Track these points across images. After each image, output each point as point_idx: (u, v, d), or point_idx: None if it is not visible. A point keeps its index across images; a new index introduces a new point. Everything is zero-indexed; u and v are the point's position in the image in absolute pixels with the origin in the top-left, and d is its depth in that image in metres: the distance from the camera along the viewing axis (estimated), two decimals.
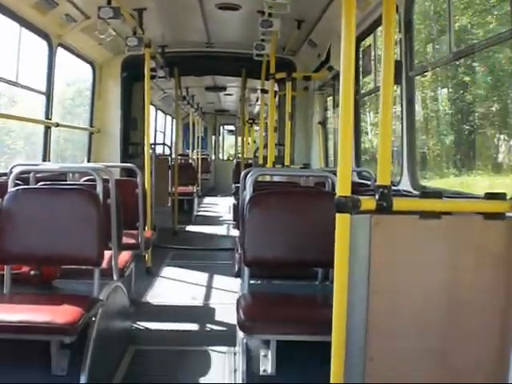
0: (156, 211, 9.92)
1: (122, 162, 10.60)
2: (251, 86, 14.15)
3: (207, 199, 20.21)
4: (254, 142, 26.77)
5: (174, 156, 13.15)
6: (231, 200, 19.19)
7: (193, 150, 22.11)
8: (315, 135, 11.30)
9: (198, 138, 22.30)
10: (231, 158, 27.87)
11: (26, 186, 4.98)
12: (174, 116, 22.13)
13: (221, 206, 18.75)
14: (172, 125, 22.68)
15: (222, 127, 28.64)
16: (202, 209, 17.24)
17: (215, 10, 8.64)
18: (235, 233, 12.22)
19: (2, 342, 4.01)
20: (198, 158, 20.02)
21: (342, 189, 2.89)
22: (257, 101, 19.67)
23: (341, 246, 2.93)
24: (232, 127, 28.72)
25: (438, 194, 3.12)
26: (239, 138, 28.46)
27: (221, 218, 16.10)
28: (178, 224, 12.60)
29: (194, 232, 13.29)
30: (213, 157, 26.93)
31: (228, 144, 30.57)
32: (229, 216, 16.27)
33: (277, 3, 5.82)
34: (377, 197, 2.97)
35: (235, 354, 5.38)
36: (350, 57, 2.94)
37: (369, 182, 6.99)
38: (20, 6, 6.95)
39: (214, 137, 28.16)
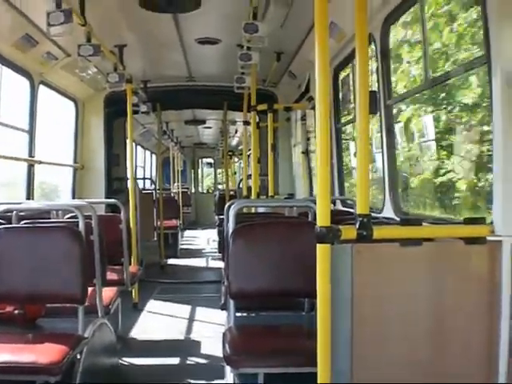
0: (142, 246, 9.90)
1: (106, 197, 10.58)
2: (230, 119, 14.25)
3: (189, 232, 20.16)
4: (235, 173, 26.85)
5: (158, 190, 13.17)
6: (213, 232, 19.27)
7: (173, 184, 22.14)
8: (299, 165, 11.36)
9: (178, 171, 22.35)
10: (210, 191, 27.97)
11: (8, 225, 4.97)
12: (153, 151, 22.28)
13: (203, 239, 18.74)
14: (151, 160, 22.76)
15: (200, 160, 28.72)
16: (185, 242, 17.21)
17: (195, 45, 8.72)
18: (220, 265, 12.23)
19: None
20: (179, 192, 20.04)
21: (322, 220, 2.90)
22: (235, 133, 19.79)
23: (322, 275, 2.94)
24: (210, 160, 28.84)
25: (417, 221, 3.15)
26: (218, 170, 28.69)
27: (204, 251, 16.09)
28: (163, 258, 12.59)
29: (179, 265, 13.25)
30: (193, 190, 26.94)
31: (206, 177, 30.68)
32: (212, 248, 16.28)
33: (255, 37, 5.89)
34: (357, 226, 2.98)
35: None
36: (325, 86, 2.99)
37: (352, 210, 7.02)
38: (1, 45, 6.98)
39: (193, 170, 28.22)
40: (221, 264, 12.16)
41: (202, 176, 29.27)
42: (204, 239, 18.69)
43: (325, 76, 2.96)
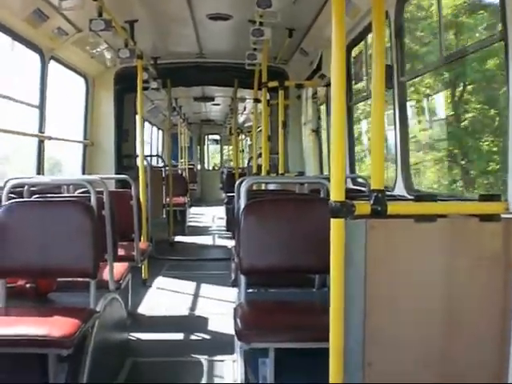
0: (151, 223, 9.92)
1: (116, 173, 10.59)
2: (240, 96, 14.20)
3: (196, 209, 20.17)
4: (242, 151, 26.80)
5: (167, 167, 13.18)
6: (219, 209, 19.30)
7: (180, 161, 22.14)
8: (309, 143, 11.33)
9: (185, 148, 22.34)
10: (216, 168, 27.96)
11: (20, 200, 4.97)
12: (160, 127, 22.23)
13: (210, 216, 18.77)
14: (158, 136, 22.73)
15: (206, 137, 28.65)
16: (192, 219, 17.24)
17: (206, 21, 8.66)
18: (227, 242, 12.28)
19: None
20: (186, 169, 20.02)
21: (336, 194, 2.89)
22: (244, 110, 19.72)
23: (336, 251, 2.93)
24: (217, 137, 28.79)
25: (432, 197, 3.12)
26: (225, 148, 28.65)
27: (212, 228, 16.12)
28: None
29: (188, 243, 13.29)
30: (198, 167, 26.94)
31: (212, 153, 30.65)
32: (218, 226, 16.32)
33: (267, 12, 5.84)
34: (371, 201, 2.97)
35: (234, 362, 5.37)
36: (341, 64, 2.95)
37: (363, 189, 7.00)
38: (12, 20, 6.95)
39: (199, 147, 28.17)
40: (228, 242, 12.24)
41: (208, 153, 29.22)
42: (210, 217, 18.72)
43: (341, 53, 2.93)
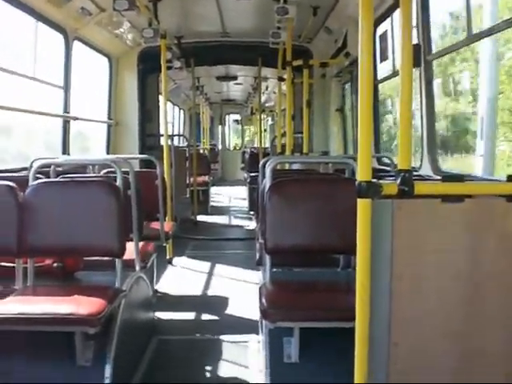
0: (175, 202, 9.98)
1: (140, 154, 10.65)
2: (263, 75, 14.15)
3: (217, 189, 20.21)
4: (265, 130, 26.76)
5: (191, 147, 13.21)
6: (241, 189, 19.33)
7: (202, 140, 22.17)
8: (333, 123, 11.26)
9: (206, 128, 22.33)
10: (237, 148, 27.96)
11: (46, 180, 5.01)
12: (182, 107, 22.23)
13: (232, 196, 18.81)
14: (179, 116, 22.75)
15: (227, 117, 28.62)
16: (214, 199, 17.29)
17: None
18: (249, 222, 12.33)
19: (27, 333, 4.06)
20: (208, 149, 20.06)
21: (363, 174, 2.86)
22: (266, 89, 19.66)
23: (363, 231, 2.91)
24: (238, 116, 28.73)
25: (459, 178, 3.09)
26: (246, 127, 28.60)
27: (234, 208, 16.16)
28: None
29: (211, 222, 13.36)
30: (220, 147, 26.97)
31: (234, 135, 30.64)
32: (241, 205, 16.36)
33: None
34: (398, 181, 2.94)
35: (258, 342, 5.40)
36: (369, 41, 2.91)
37: (388, 168, 6.95)
38: (36, 1, 6.97)
39: (220, 126, 28.16)
40: (250, 222, 12.29)
41: (229, 133, 29.20)
42: (232, 196, 18.78)
43: (368, 30, 2.88)
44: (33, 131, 9.39)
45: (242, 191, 19.19)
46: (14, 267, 4.63)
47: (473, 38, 5.03)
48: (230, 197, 18.82)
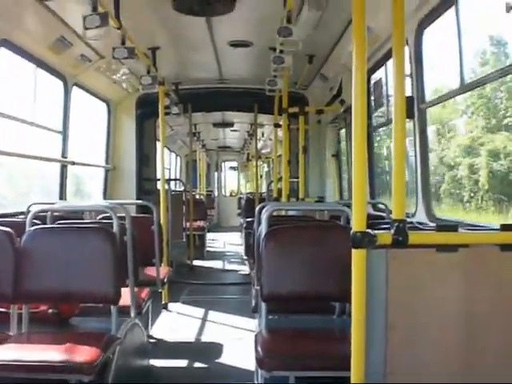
0: (171, 247, 9.97)
1: (137, 198, 10.69)
2: (259, 121, 14.31)
3: (213, 235, 20.21)
4: (261, 176, 26.90)
5: (187, 192, 13.26)
6: (236, 235, 19.34)
7: (199, 186, 22.29)
8: (329, 168, 11.35)
9: (203, 174, 22.47)
10: (233, 194, 28.08)
11: (43, 226, 5.03)
12: (178, 153, 22.42)
13: (227, 242, 18.80)
14: (176, 162, 22.91)
15: (223, 164, 28.80)
16: (209, 244, 17.28)
17: (227, 47, 8.76)
18: (246, 268, 12.31)
19: (22, 381, 4.02)
20: (204, 195, 20.16)
21: (358, 224, 2.89)
22: (262, 136, 19.84)
23: (357, 280, 2.93)
24: (234, 163, 28.90)
25: (453, 227, 3.12)
26: (241, 174, 28.78)
27: (229, 253, 16.14)
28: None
29: (207, 267, 13.33)
30: (216, 193, 27.08)
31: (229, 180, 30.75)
32: (236, 251, 16.35)
33: (288, 40, 5.89)
34: (392, 231, 2.97)
35: None
36: (362, 89, 2.97)
37: (384, 214, 6.99)
38: (36, 47, 7.09)
39: (216, 173, 28.32)
40: (246, 267, 12.26)
41: (225, 180, 29.34)
42: (227, 242, 18.78)
43: (362, 79, 2.95)
44: (31, 176, 9.46)
45: (237, 237, 19.20)
46: (8, 313, 4.61)
47: (465, 87, 5.12)
48: (226, 242, 18.81)
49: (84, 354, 3.91)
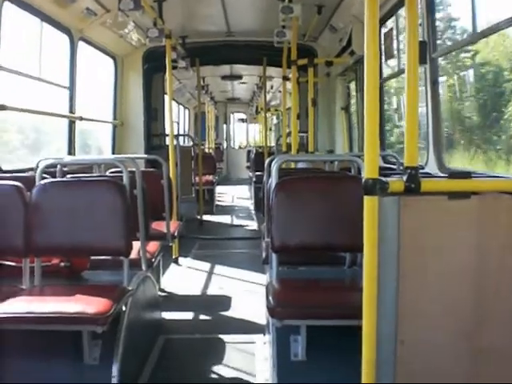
0: (180, 201, 9.99)
1: (146, 153, 10.67)
2: (268, 74, 14.17)
3: (222, 188, 20.22)
4: (270, 129, 26.79)
5: (197, 147, 13.23)
6: (246, 188, 19.34)
7: (208, 139, 22.22)
8: (338, 121, 11.26)
9: (212, 127, 22.37)
10: (242, 147, 28.00)
11: (53, 179, 5.02)
12: (187, 106, 22.29)
13: (237, 195, 18.82)
14: (184, 115, 22.79)
15: (232, 116, 28.63)
16: (219, 198, 17.29)
17: None
18: (254, 223, 12.36)
19: (35, 332, 4.08)
20: (213, 148, 20.09)
21: (370, 171, 2.86)
22: (271, 88, 19.69)
23: (369, 229, 2.91)
24: (243, 115, 28.74)
25: (466, 175, 3.08)
26: (251, 126, 28.68)
27: (239, 208, 16.16)
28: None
29: (216, 222, 13.37)
30: (225, 146, 26.98)
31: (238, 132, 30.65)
32: (246, 204, 16.37)
33: None
34: (405, 178, 2.94)
35: (264, 343, 5.40)
36: (374, 39, 2.91)
37: (394, 166, 6.95)
38: (41, 1, 6.99)
39: (225, 125, 28.18)
40: (255, 222, 12.31)
41: (234, 132, 29.23)
42: (237, 195, 18.81)
43: (374, 28, 2.88)
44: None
45: (247, 191, 19.21)
46: (21, 267, 4.65)
47: (478, 35, 5.02)
48: (236, 196, 18.83)
49: (97, 305, 3.94)
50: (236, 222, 13.66)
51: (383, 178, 2.88)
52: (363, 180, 2.87)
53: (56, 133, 9.58)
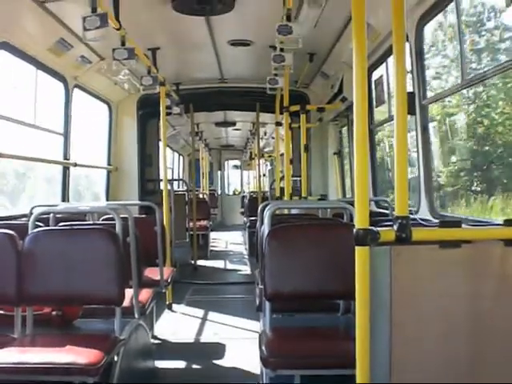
0: (174, 247, 9.96)
1: (140, 198, 10.68)
2: (261, 120, 14.31)
3: (216, 234, 20.20)
4: (264, 175, 26.91)
5: (191, 192, 13.26)
6: (240, 234, 19.33)
7: (202, 186, 22.29)
8: (331, 166, 11.33)
9: (206, 173, 22.49)
10: (237, 193, 28.09)
11: (46, 228, 5.02)
12: (181, 152, 22.44)
13: (231, 241, 18.80)
14: (179, 161, 22.91)
15: (226, 163, 28.79)
16: (213, 243, 17.27)
17: (227, 47, 8.75)
18: (249, 267, 12.31)
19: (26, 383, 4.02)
20: (207, 193, 20.17)
21: (361, 221, 2.88)
22: (265, 135, 19.85)
23: (361, 278, 2.92)
24: (237, 162, 28.89)
25: (456, 223, 3.11)
26: (244, 172, 28.83)
27: (233, 253, 16.13)
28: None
29: (211, 267, 13.32)
30: (219, 192, 27.07)
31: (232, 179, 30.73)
32: (240, 250, 16.35)
33: (288, 38, 5.86)
34: (395, 228, 2.96)
35: None
36: (363, 86, 2.96)
37: (387, 211, 6.98)
38: (36, 50, 7.08)
39: (219, 172, 28.30)
40: (249, 267, 12.27)
41: (228, 178, 29.33)
42: (231, 241, 18.78)
43: (362, 76, 2.94)
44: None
45: (242, 236, 19.18)
46: (12, 315, 4.61)
47: (466, 83, 5.10)
48: (230, 241, 18.81)
49: (88, 355, 3.90)
50: (230, 266, 13.61)
51: (374, 228, 2.90)
52: (354, 230, 2.89)
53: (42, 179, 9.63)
